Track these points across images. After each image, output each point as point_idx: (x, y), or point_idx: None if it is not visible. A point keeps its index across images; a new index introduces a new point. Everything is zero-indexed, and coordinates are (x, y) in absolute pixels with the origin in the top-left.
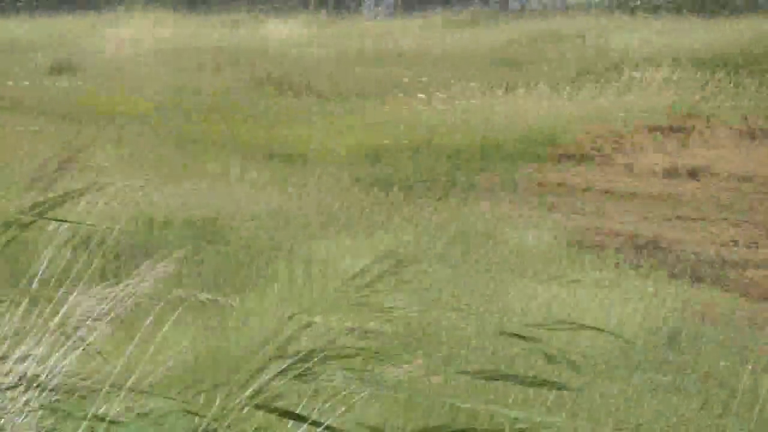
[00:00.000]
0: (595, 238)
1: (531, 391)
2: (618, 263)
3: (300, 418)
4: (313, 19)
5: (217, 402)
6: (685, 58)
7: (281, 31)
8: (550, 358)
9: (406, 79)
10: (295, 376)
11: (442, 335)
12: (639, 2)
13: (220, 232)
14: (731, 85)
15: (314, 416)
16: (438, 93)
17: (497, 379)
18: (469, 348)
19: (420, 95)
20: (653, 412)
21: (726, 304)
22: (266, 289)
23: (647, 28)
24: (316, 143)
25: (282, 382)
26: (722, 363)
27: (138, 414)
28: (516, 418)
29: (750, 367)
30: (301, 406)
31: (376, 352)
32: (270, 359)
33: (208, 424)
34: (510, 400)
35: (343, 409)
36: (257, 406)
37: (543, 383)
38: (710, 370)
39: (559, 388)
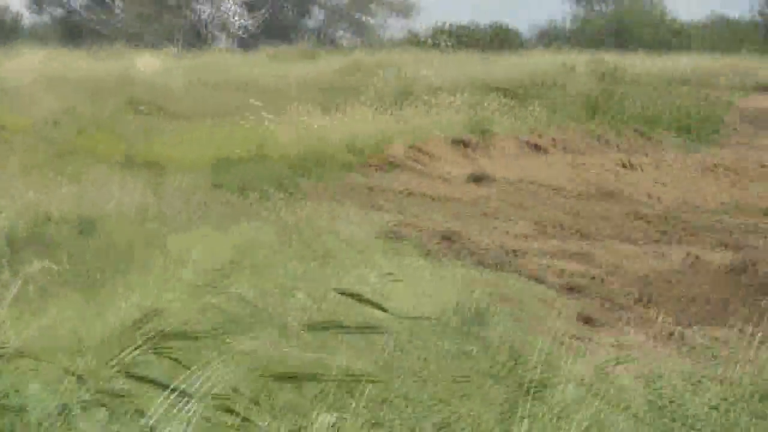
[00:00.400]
0: (410, 232)
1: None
2: (429, 252)
3: (161, 386)
4: (176, 53)
5: (91, 368)
6: (479, 85)
7: (149, 62)
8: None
9: (251, 102)
10: (154, 350)
11: (283, 306)
12: (442, 41)
13: (94, 228)
14: (515, 107)
15: (173, 384)
16: (278, 113)
17: (332, 330)
18: (305, 312)
19: (263, 115)
20: (452, 372)
21: (514, 285)
22: (134, 274)
23: (449, 61)
24: (174, 155)
25: (141, 355)
26: (511, 334)
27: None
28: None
29: (533, 337)
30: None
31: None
32: (133, 334)
33: (84, 386)
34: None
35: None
36: (126, 374)
37: (366, 329)
38: (502, 340)
39: (378, 332)
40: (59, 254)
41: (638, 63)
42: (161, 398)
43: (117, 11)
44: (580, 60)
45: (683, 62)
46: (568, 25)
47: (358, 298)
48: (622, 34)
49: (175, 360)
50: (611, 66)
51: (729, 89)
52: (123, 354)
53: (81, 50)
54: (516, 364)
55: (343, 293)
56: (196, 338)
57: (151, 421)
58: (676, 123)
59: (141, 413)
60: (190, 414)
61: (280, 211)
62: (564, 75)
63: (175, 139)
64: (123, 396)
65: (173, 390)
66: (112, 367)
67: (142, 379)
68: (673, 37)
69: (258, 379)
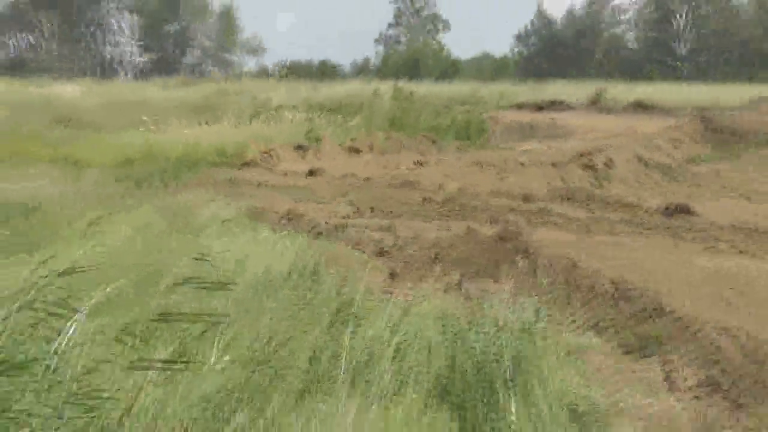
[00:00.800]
0: (262, 212)
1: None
2: (276, 227)
3: (72, 311)
4: (88, 81)
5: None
6: (310, 104)
7: (67, 89)
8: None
9: (144, 118)
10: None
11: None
12: (278, 71)
13: (30, 209)
14: (333, 121)
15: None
16: (164, 125)
17: (192, 285)
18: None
19: (152, 127)
20: (294, 316)
21: (340, 251)
22: (58, 242)
23: (291, 88)
24: (89, 157)
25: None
26: (344, 289)
27: None
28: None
29: (355, 288)
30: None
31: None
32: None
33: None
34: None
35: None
36: (39, 302)
37: (218, 285)
38: (331, 290)
39: (225, 289)
40: (7, 228)
41: (427, 88)
42: (70, 323)
43: (44, 51)
44: (385, 87)
45: (459, 88)
46: (376, 61)
47: (208, 261)
48: (414, 67)
49: (64, 298)
50: (407, 90)
51: (492, 107)
52: (32, 292)
53: (18, 79)
54: (342, 306)
55: (197, 258)
56: (83, 272)
57: (63, 342)
58: (454, 131)
59: (50, 338)
60: (94, 338)
61: (166, 198)
62: (373, 98)
63: (89, 144)
64: (36, 323)
65: (76, 320)
66: (30, 300)
67: (47, 305)
68: (451, 69)
69: (146, 321)
